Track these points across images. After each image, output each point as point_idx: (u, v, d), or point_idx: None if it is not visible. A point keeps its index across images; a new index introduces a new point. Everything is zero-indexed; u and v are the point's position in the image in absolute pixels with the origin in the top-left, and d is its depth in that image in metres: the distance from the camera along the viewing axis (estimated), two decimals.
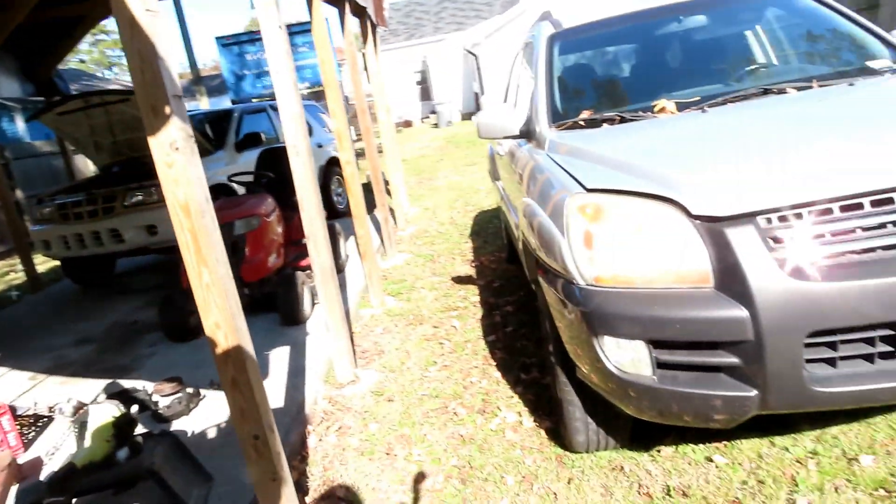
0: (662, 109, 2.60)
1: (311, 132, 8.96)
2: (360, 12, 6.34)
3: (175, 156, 1.75)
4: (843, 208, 1.69)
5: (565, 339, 2.19)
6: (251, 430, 2.02)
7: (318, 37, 4.21)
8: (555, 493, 2.35)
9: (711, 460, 2.35)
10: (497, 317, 4.20)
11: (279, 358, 3.98)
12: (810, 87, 2.46)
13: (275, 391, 3.49)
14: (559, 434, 2.60)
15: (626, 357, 1.91)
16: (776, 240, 1.71)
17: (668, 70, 3.06)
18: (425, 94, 26.56)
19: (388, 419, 3.14)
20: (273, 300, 4.59)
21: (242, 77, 14.97)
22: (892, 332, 1.67)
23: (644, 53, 3.27)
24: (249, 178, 5.69)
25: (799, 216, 1.71)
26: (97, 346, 5.00)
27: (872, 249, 1.68)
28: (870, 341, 1.71)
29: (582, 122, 2.73)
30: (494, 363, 3.55)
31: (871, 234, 1.68)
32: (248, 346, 1.97)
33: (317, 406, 3.36)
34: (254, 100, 13.51)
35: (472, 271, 5.39)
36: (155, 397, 3.41)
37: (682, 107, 2.56)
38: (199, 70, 16.62)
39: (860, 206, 1.68)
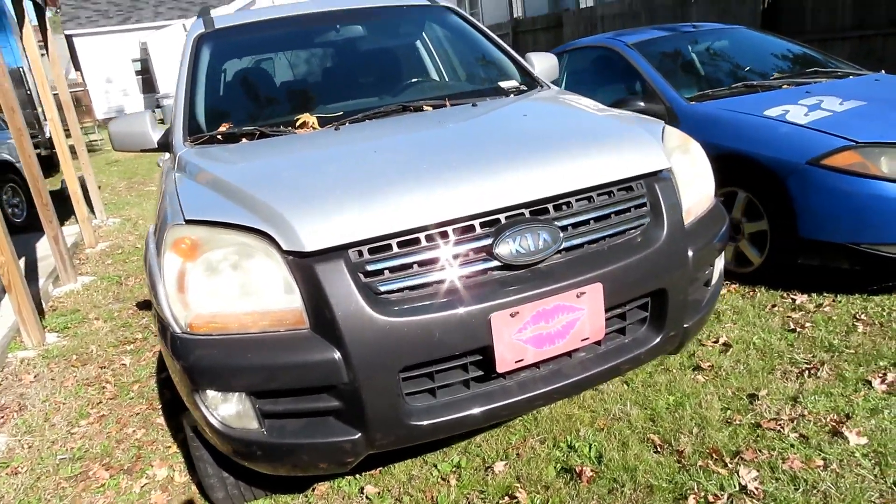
0: (304, 124, 2.44)
1: None
2: None
3: None
4: (429, 238, 1.66)
5: (181, 394, 1.90)
6: None
7: None
8: None
9: (363, 491, 2.26)
10: None
11: None
12: (444, 106, 2.50)
13: None
14: None
15: (231, 411, 1.69)
16: (366, 274, 1.62)
17: (320, 81, 2.94)
18: (149, 86, 23.94)
19: (4, 501, 2.53)
20: None
21: None
22: (481, 358, 1.70)
23: (298, 62, 3.11)
24: None
25: (388, 248, 1.64)
26: None
27: (455, 279, 1.67)
28: (464, 368, 1.72)
29: (219, 137, 2.45)
30: (161, 406, 3.12)
31: (452, 263, 1.67)
32: None
33: None
34: None
35: None
36: None
37: (323, 122, 2.43)
38: None
39: (445, 234, 1.67)
